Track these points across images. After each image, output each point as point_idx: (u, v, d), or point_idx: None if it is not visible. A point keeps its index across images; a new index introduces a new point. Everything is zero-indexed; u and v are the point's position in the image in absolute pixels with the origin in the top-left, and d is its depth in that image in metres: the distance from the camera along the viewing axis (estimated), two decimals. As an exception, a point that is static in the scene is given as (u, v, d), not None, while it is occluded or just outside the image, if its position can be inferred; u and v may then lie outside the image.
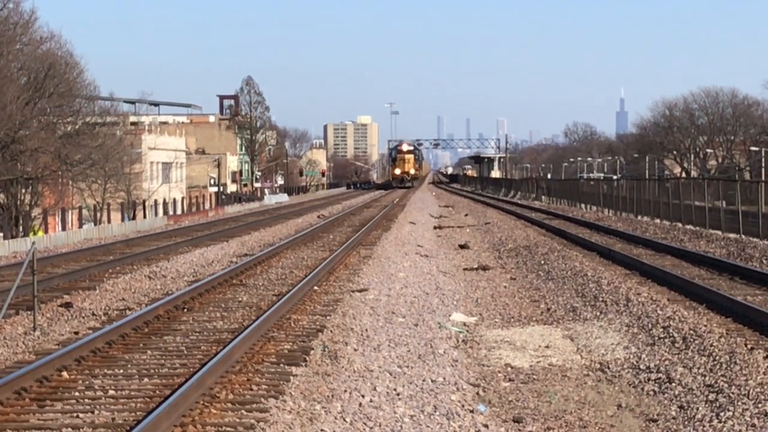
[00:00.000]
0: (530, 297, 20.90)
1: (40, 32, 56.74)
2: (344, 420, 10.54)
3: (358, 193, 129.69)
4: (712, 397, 11.55)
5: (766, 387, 11.55)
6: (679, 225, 40.52)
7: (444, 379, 12.62)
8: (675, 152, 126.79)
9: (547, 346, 15.33)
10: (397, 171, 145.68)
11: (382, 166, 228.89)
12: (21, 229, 51.61)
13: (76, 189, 66.43)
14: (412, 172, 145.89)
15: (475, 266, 26.84)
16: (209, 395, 11.32)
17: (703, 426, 10.49)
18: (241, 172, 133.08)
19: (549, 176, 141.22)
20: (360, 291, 20.25)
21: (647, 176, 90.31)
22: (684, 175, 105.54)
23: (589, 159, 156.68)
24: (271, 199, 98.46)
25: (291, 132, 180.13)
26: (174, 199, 69.33)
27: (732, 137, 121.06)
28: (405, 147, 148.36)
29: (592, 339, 15.61)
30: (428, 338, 15.34)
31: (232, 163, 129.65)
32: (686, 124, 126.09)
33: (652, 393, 12.21)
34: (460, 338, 15.94)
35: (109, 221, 53.45)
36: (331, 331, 15.44)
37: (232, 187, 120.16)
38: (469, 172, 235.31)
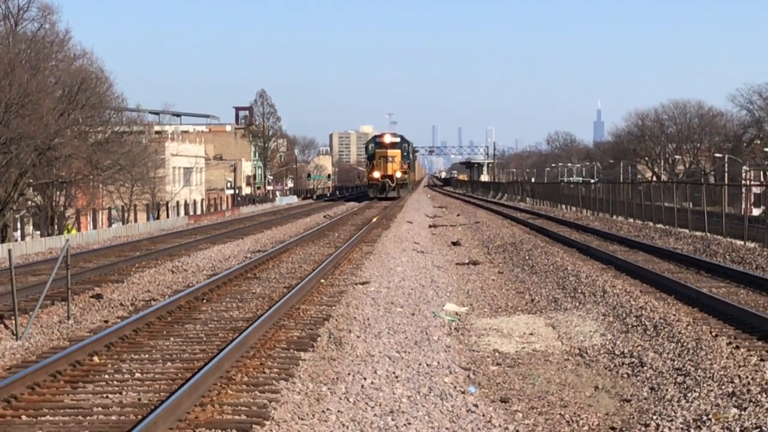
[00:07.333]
0: (516, 289, 20.88)
1: (74, 50, 57.00)
2: (348, 400, 10.54)
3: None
4: (680, 379, 11.54)
5: (729, 370, 11.54)
6: (651, 224, 40.50)
7: (438, 363, 12.61)
8: (647, 158, 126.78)
9: (531, 334, 15.31)
10: (376, 174, 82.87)
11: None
12: (56, 227, 51.70)
13: (105, 191, 66.44)
14: (399, 175, 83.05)
15: (466, 261, 26.82)
16: (226, 378, 11.31)
17: (672, 406, 10.48)
18: (254, 176, 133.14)
19: (533, 180, 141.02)
20: (362, 284, 20.23)
21: (621, 180, 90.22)
22: (655, 178, 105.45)
23: (569, 164, 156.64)
24: (282, 201, 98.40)
25: (300, 140, 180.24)
26: (194, 201, 69.31)
27: (698, 145, 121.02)
28: (388, 138, 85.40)
29: (571, 327, 15.60)
30: (424, 326, 15.33)
31: (247, 168, 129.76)
32: (657, 132, 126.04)
33: (626, 376, 12.20)
34: (452, 326, 15.92)
35: (135, 220, 53.41)
36: (336, 320, 15.42)
37: (246, 190, 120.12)
38: (461, 177, 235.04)
